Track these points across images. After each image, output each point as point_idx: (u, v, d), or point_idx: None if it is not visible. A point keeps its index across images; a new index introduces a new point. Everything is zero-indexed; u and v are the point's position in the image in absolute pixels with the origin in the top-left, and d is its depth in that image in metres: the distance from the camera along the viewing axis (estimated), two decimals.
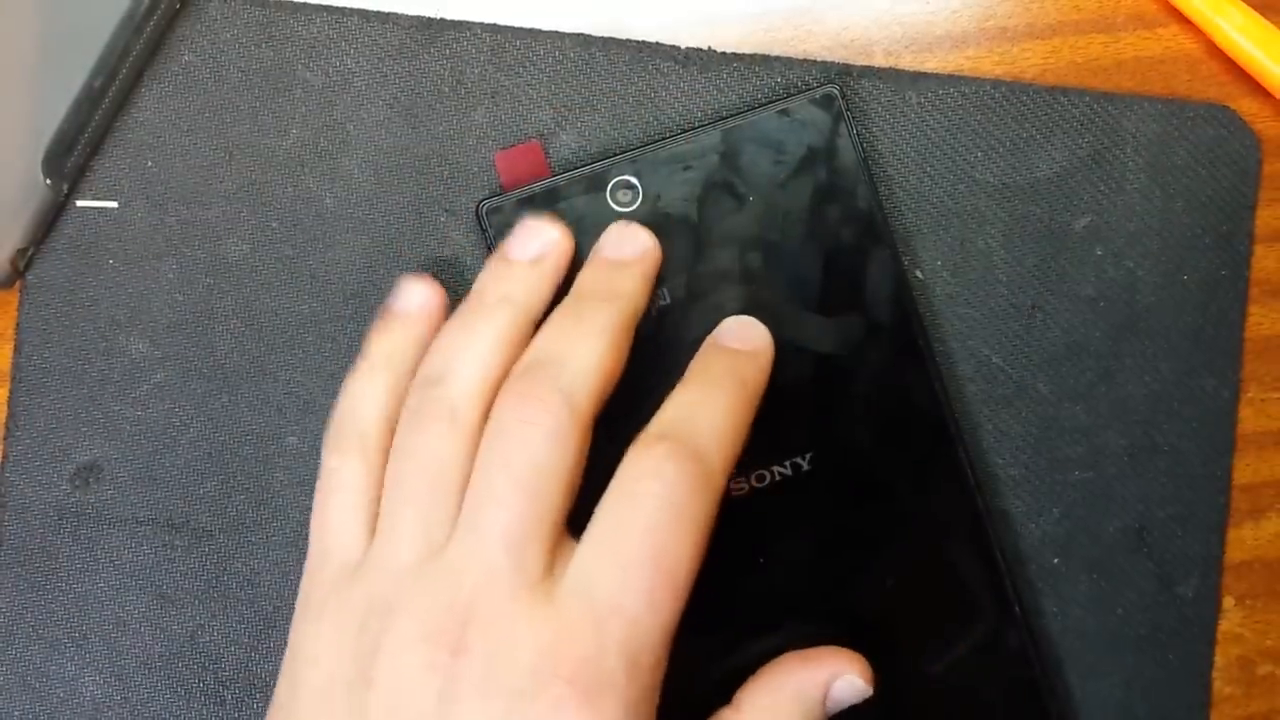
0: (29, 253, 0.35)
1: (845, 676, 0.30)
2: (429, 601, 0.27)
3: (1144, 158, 0.35)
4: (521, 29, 0.35)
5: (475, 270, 0.35)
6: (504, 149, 0.34)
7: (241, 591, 0.34)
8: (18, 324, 0.35)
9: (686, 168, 0.33)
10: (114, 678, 0.34)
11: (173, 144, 0.35)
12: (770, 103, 0.34)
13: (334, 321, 0.35)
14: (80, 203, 0.35)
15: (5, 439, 0.35)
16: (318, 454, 0.34)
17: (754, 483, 0.33)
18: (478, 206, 0.33)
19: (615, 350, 0.29)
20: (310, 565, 0.30)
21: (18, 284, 0.35)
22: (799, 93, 0.34)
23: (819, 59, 0.35)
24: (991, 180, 0.35)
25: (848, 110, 0.33)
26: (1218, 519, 0.34)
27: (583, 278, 0.32)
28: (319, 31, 0.35)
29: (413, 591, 0.27)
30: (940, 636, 0.33)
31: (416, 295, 0.32)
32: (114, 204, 0.35)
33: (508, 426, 0.28)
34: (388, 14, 0.35)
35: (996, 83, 0.35)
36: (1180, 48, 0.36)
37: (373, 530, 0.29)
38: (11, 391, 0.35)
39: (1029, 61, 0.36)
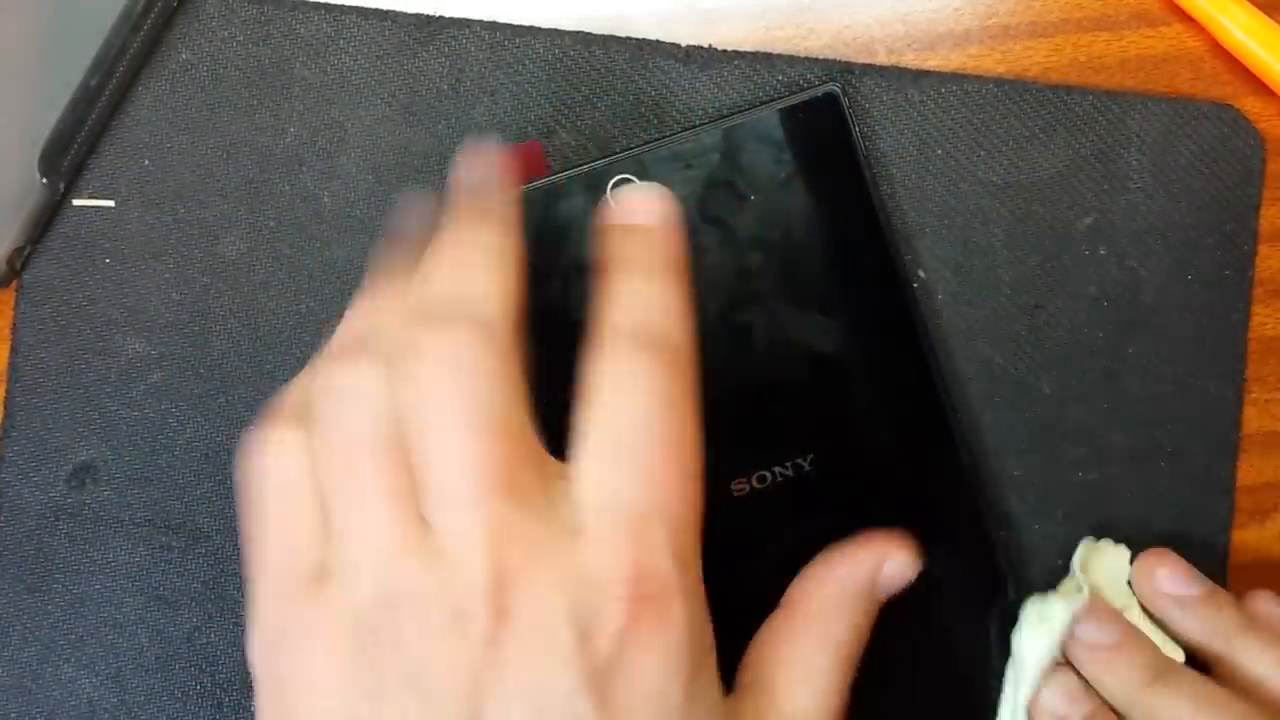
0: (25, 252, 0.35)
1: (893, 559, 0.29)
2: (441, 580, 0.24)
3: (1148, 157, 0.34)
4: (521, 26, 0.35)
5: None
6: (503, 147, 0.34)
7: (239, 593, 0.34)
8: (14, 323, 0.35)
9: (687, 166, 0.33)
10: (110, 679, 0.34)
11: (170, 142, 0.35)
12: (771, 101, 0.33)
13: (332, 321, 0.34)
14: (77, 201, 0.35)
15: (1, 439, 0.35)
16: None
17: (755, 484, 0.33)
18: None
19: (511, 258, 0.27)
20: (262, 583, 0.26)
21: (14, 283, 0.35)
22: (800, 91, 0.33)
23: (820, 57, 0.35)
24: (994, 179, 0.34)
25: (850, 109, 0.33)
26: (1222, 521, 0.34)
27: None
28: (317, 29, 0.35)
29: (416, 577, 0.24)
30: (945, 637, 0.33)
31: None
32: (111, 203, 0.35)
33: (427, 370, 0.25)
34: (386, 12, 0.35)
35: (999, 81, 0.35)
36: (1183, 46, 0.35)
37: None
38: (8, 391, 0.35)
39: (1031, 60, 0.35)
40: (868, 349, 0.33)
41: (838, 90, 0.33)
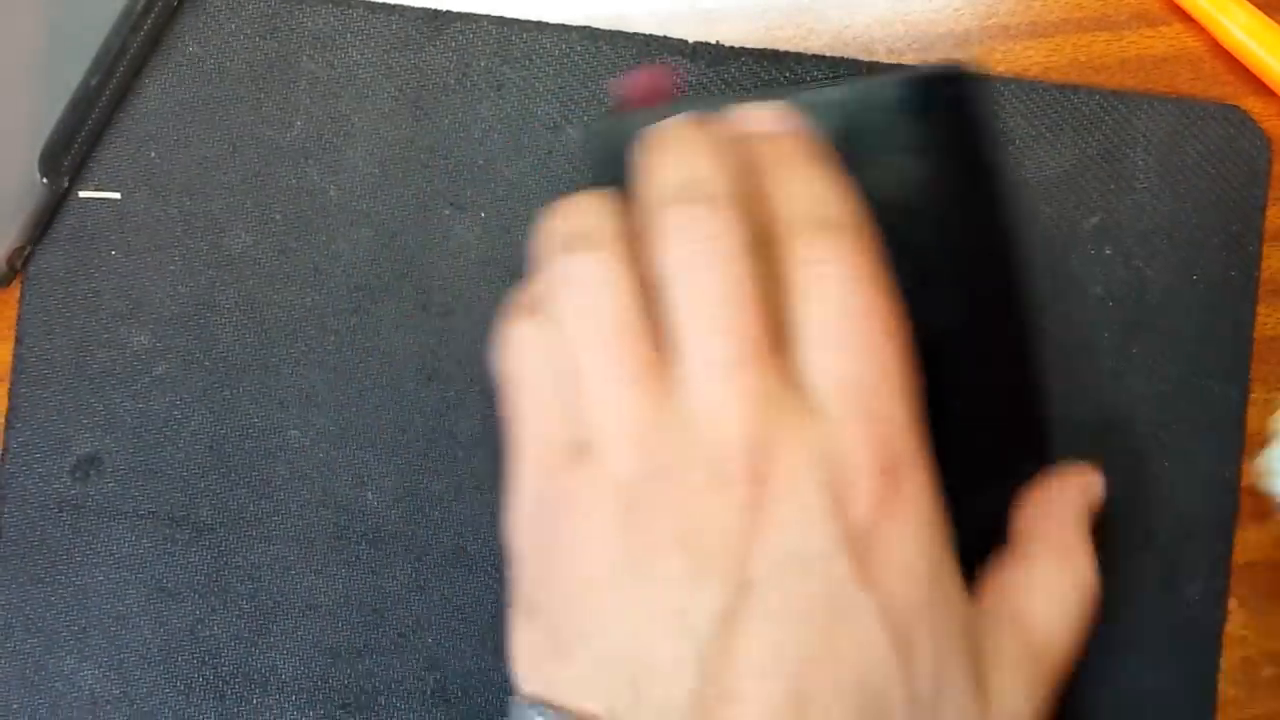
0: (26, 251, 0.35)
1: (1094, 485, 0.30)
2: (699, 449, 0.25)
3: (1154, 157, 0.34)
4: (528, 21, 0.35)
5: (478, 264, 0.34)
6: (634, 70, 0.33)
7: (242, 586, 0.34)
8: (19, 315, 0.35)
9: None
10: (113, 671, 0.34)
11: (176, 135, 0.35)
12: (895, 69, 0.32)
13: (337, 314, 0.35)
14: (83, 193, 0.35)
15: (6, 430, 0.35)
16: (319, 448, 0.34)
17: None
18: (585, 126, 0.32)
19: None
20: (528, 458, 0.27)
21: (18, 278, 0.35)
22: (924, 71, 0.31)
23: (825, 55, 0.35)
24: None
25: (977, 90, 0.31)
26: (1226, 521, 0.34)
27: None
28: (324, 23, 0.35)
29: (673, 447, 0.25)
30: None
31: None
32: (116, 195, 0.35)
33: (688, 250, 0.26)
34: (393, 5, 0.35)
35: (1006, 80, 0.35)
36: (1183, 46, 0.35)
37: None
38: (12, 383, 0.35)
39: (1031, 60, 0.35)
40: (979, 328, 0.31)
41: (964, 70, 0.30)
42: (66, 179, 0.34)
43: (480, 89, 0.35)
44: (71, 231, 0.35)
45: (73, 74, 0.33)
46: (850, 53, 0.35)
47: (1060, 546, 0.29)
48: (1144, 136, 0.34)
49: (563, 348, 0.27)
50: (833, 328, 0.26)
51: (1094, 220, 0.34)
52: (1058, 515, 0.30)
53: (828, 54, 0.35)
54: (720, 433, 0.25)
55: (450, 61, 0.35)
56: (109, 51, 0.34)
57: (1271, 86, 0.35)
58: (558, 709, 0.25)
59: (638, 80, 0.32)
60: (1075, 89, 0.35)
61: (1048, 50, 0.35)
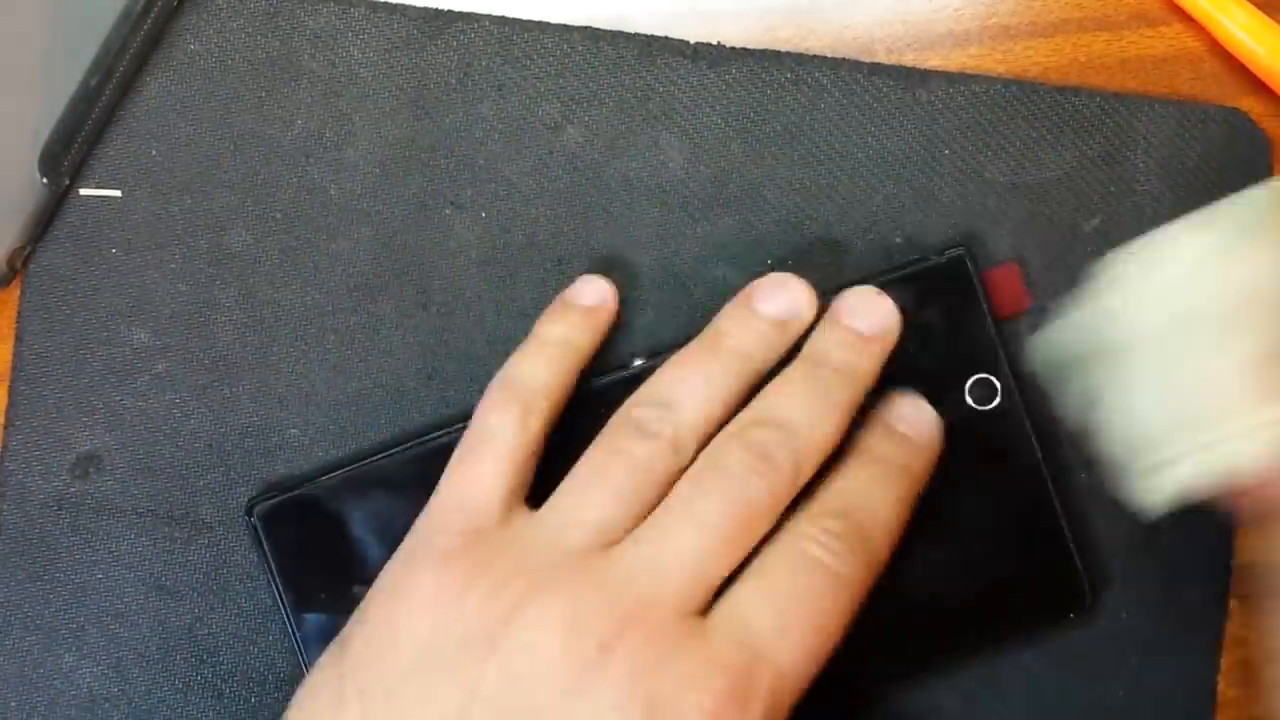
0: (25, 251, 0.35)
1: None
2: (589, 593, 0.27)
3: (1155, 159, 0.34)
4: (529, 21, 0.35)
5: (478, 264, 0.34)
6: (989, 269, 0.34)
7: (241, 585, 0.34)
8: (19, 311, 0.35)
9: None
10: (112, 669, 0.34)
11: (177, 133, 0.35)
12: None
13: (337, 314, 0.35)
14: (84, 191, 0.35)
15: (5, 428, 0.35)
16: (319, 446, 0.34)
17: None
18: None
19: (843, 428, 0.30)
20: (439, 510, 0.29)
21: (18, 276, 0.35)
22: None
23: (826, 55, 0.35)
24: (1001, 180, 0.34)
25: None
26: (1224, 524, 0.34)
27: (824, 341, 0.31)
28: (325, 22, 0.35)
29: (574, 576, 0.27)
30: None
31: (593, 290, 0.33)
32: (117, 193, 0.35)
33: (733, 466, 0.28)
34: (395, 5, 0.35)
35: (1007, 82, 0.35)
36: (1183, 46, 0.35)
37: (514, 503, 0.29)
38: (12, 380, 0.35)
39: (1031, 60, 0.35)
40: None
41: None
42: (67, 178, 0.34)
43: (481, 89, 0.35)
44: (72, 229, 0.35)
45: (73, 74, 0.33)
46: (850, 53, 0.35)
47: None
48: (1144, 139, 0.34)
49: (601, 458, 0.30)
50: (777, 588, 0.27)
51: (1094, 222, 0.34)
52: None
53: (829, 54, 0.35)
54: (612, 596, 0.27)
55: (451, 61, 0.35)
56: (109, 51, 0.34)
57: (1271, 86, 0.35)
58: None
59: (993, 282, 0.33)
60: (1076, 91, 0.35)
61: (1048, 50, 0.35)
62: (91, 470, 0.35)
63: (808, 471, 0.29)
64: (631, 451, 0.29)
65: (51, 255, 0.35)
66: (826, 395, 0.30)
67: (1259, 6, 0.35)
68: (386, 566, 0.29)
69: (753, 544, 0.28)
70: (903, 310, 0.32)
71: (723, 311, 0.32)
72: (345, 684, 0.27)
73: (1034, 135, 0.34)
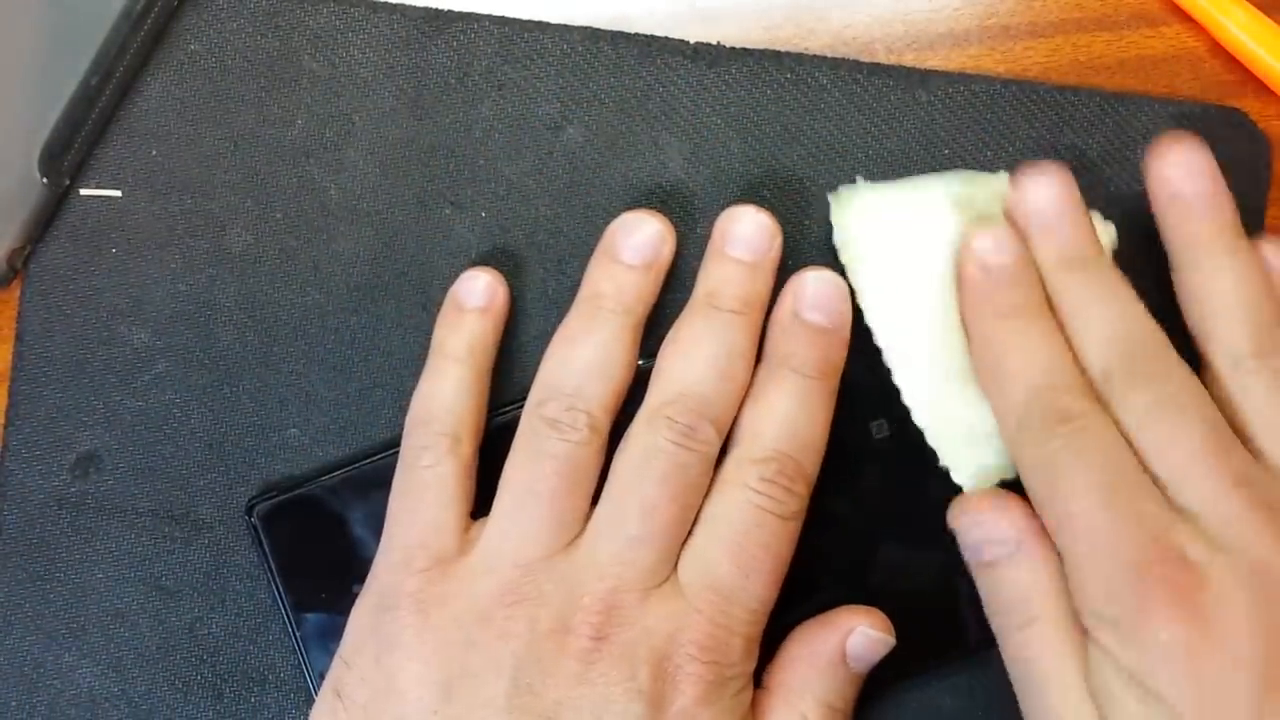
0: (25, 251, 0.35)
1: (858, 630, 0.31)
2: (567, 592, 0.29)
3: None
4: (529, 21, 0.35)
5: (478, 264, 0.34)
6: None
7: (240, 585, 0.34)
8: (19, 311, 0.35)
9: None
10: (111, 669, 0.34)
11: (177, 133, 0.35)
12: None
13: (337, 314, 0.35)
14: (84, 191, 0.35)
15: (6, 427, 0.35)
16: (319, 447, 0.34)
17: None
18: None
19: (750, 359, 0.31)
20: (390, 560, 0.30)
21: (19, 276, 0.35)
22: None
23: (827, 55, 0.35)
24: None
25: None
26: None
27: (714, 279, 0.32)
28: (325, 22, 0.35)
29: (547, 581, 0.29)
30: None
31: (482, 288, 0.33)
32: (118, 193, 0.35)
33: (665, 447, 0.30)
34: (395, 5, 0.35)
35: (1006, 82, 0.35)
36: (1183, 46, 0.35)
37: (465, 527, 0.31)
38: (12, 380, 0.35)
39: (1031, 60, 0.35)
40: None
41: None
42: (67, 178, 0.34)
43: (481, 89, 0.35)
44: (72, 229, 0.35)
45: (73, 74, 0.34)
46: (850, 53, 0.35)
47: (787, 693, 0.30)
48: (1144, 138, 0.34)
49: (531, 464, 0.30)
50: (724, 535, 0.30)
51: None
52: (794, 663, 0.31)
53: (828, 54, 0.35)
54: (588, 587, 0.29)
55: (451, 61, 0.35)
56: (109, 51, 0.34)
57: (1271, 86, 0.35)
58: None
59: None
60: (1075, 90, 0.35)
61: (1048, 50, 0.35)
62: (91, 470, 0.35)
63: (727, 422, 0.31)
64: (555, 454, 0.30)
65: (52, 255, 0.35)
66: (728, 339, 0.31)
67: (1259, 6, 0.35)
68: (355, 615, 0.30)
69: (698, 503, 0.30)
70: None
71: (590, 268, 0.32)
72: None
73: (1033, 135, 0.34)
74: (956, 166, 0.34)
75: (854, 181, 0.33)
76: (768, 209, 0.32)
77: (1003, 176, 0.32)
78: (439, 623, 0.29)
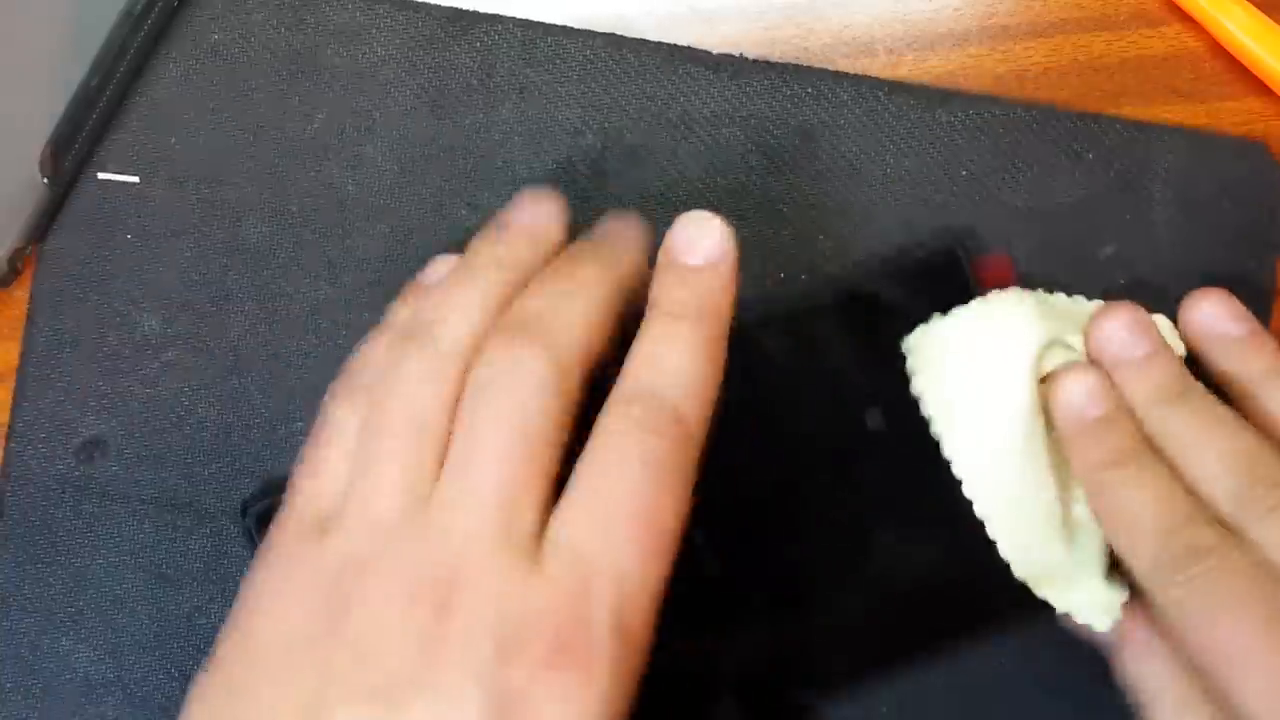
0: (26, 251, 0.35)
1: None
2: (411, 560, 0.26)
3: (1172, 189, 0.34)
4: (553, 25, 0.35)
5: None
6: (980, 257, 0.34)
7: (241, 576, 0.34)
8: (31, 293, 0.35)
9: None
10: (108, 655, 0.34)
11: (197, 122, 0.35)
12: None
13: (350, 309, 0.35)
14: (102, 175, 0.35)
15: (12, 409, 0.35)
16: None
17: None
18: None
19: (609, 302, 0.29)
20: (282, 514, 0.28)
21: (19, 277, 0.35)
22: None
23: (823, 57, 0.35)
24: (1018, 203, 0.34)
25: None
26: None
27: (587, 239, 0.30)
28: (349, 18, 0.35)
29: (393, 548, 0.26)
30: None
31: (540, 209, 0.31)
32: (135, 179, 0.35)
33: (495, 377, 0.27)
34: (420, 3, 0.35)
35: (1028, 105, 0.35)
36: (1183, 46, 0.36)
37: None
38: (21, 361, 0.35)
39: (1031, 60, 0.35)
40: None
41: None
42: (68, 179, 0.34)
43: (503, 91, 0.35)
44: (88, 213, 0.35)
45: (74, 74, 0.33)
46: (849, 53, 0.35)
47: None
48: (1163, 168, 0.34)
49: (369, 426, 0.28)
50: (592, 498, 0.26)
51: (1109, 250, 0.34)
52: None
53: (825, 54, 0.35)
54: (431, 556, 0.26)
55: (474, 62, 0.35)
56: (110, 51, 0.34)
57: (1271, 86, 0.35)
58: None
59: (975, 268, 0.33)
60: (1095, 118, 0.35)
61: (1048, 50, 0.35)
62: (97, 455, 0.35)
63: (572, 354, 0.27)
64: (398, 396, 0.27)
65: (66, 238, 0.35)
66: (569, 277, 0.29)
67: (1259, 6, 0.35)
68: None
69: (556, 455, 0.27)
70: (898, 305, 0.32)
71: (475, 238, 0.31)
72: (210, 679, 0.27)
73: (1052, 160, 0.34)
74: (974, 188, 0.34)
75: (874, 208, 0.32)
76: (785, 223, 0.32)
77: (1077, 299, 0.32)
78: (297, 582, 0.27)
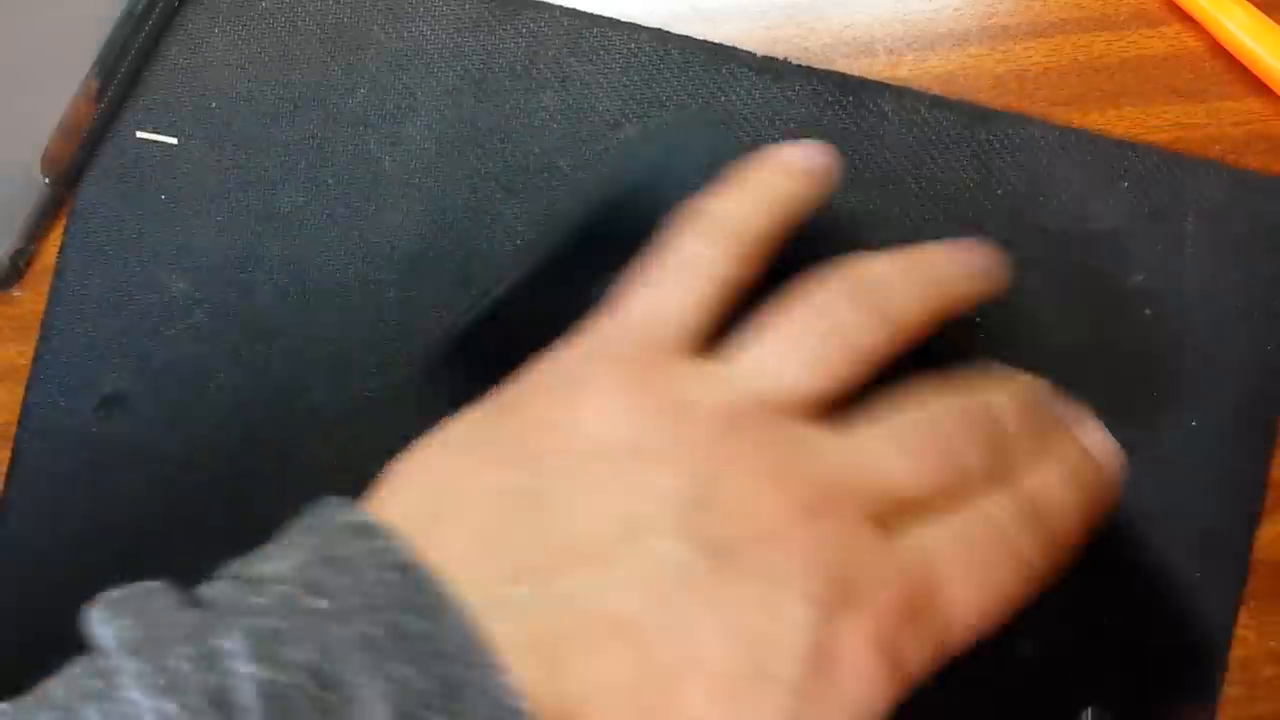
0: (28, 252, 0.35)
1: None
2: (793, 455, 0.25)
3: (1204, 223, 0.34)
4: (600, 17, 0.35)
5: (522, 252, 0.34)
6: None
7: (254, 540, 0.34)
8: (61, 246, 0.35)
9: None
10: None
11: (239, 88, 0.35)
12: None
13: (378, 285, 0.35)
14: (140, 134, 0.35)
15: (34, 362, 0.35)
16: (345, 415, 0.34)
17: None
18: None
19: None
20: (619, 321, 0.27)
21: (20, 277, 0.35)
22: None
23: (824, 57, 0.35)
24: (1050, 225, 0.34)
25: None
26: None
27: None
28: None
29: (775, 433, 0.25)
30: None
31: (820, 159, 0.30)
32: (174, 140, 0.35)
33: (957, 432, 0.26)
34: None
35: (1065, 130, 0.35)
36: (1184, 46, 0.36)
37: (702, 339, 0.27)
38: (46, 314, 0.35)
39: (1031, 60, 0.35)
40: None
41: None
42: (70, 179, 0.35)
43: (545, 78, 0.35)
44: (123, 170, 0.35)
45: (74, 75, 0.34)
46: (850, 53, 0.35)
47: None
48: (1196, 202, 0.34)
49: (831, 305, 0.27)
50: (968, 552, 0.25)
51: (1137, 279, 0.35)
52: None
53: (825, 54, 0.35)
54: (820, 468, 0.25)
55: (519, 48, 0.35)
56: (111, 51, 0.34)
57: (1271, 86, 0.35)
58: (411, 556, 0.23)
59: None
60: (1133, 145, 0.35)
61: (1048, 50, 0.35)
62: (116, 412, 0.35)
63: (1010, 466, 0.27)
64: (841, 319, 0.26)
65: (100, 194, 0.35)
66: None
67: (1259, 6, 0.35)
68: (546, 358, 0.27)
69: (950, 489, 0.26)
70: None
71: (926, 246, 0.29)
72: (515, 446, 0.25)
73: (1087, 185, 0.35)
74: (1008, 208, 0.34)
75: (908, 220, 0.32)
76: (820, 232, 0.32)
77: None
78: (645, 391, 0.25)
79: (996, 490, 0.26)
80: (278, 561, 0.24)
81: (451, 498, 0.25)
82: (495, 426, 0.26)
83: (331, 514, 0.25)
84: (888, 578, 0.24)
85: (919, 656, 0.24)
